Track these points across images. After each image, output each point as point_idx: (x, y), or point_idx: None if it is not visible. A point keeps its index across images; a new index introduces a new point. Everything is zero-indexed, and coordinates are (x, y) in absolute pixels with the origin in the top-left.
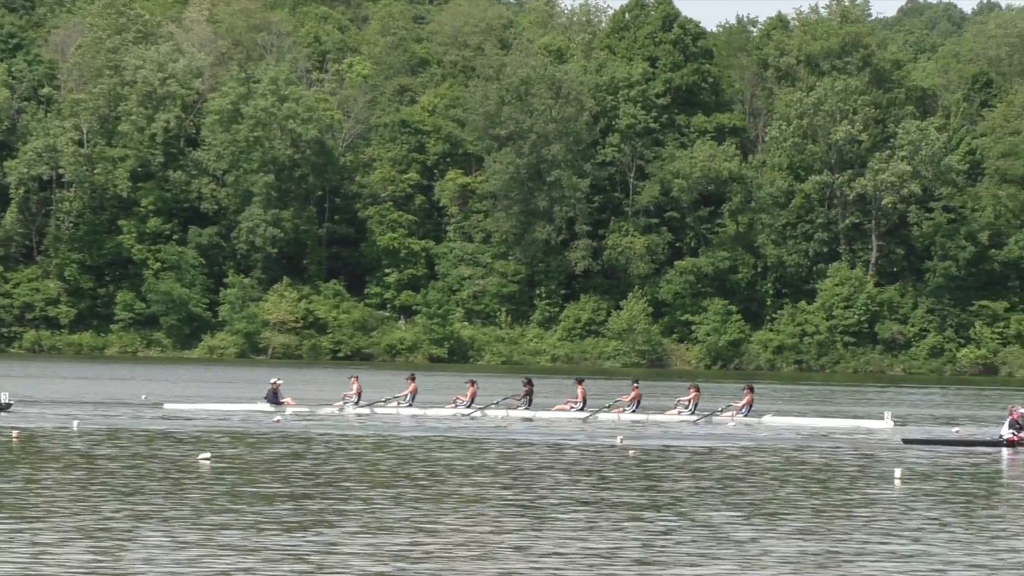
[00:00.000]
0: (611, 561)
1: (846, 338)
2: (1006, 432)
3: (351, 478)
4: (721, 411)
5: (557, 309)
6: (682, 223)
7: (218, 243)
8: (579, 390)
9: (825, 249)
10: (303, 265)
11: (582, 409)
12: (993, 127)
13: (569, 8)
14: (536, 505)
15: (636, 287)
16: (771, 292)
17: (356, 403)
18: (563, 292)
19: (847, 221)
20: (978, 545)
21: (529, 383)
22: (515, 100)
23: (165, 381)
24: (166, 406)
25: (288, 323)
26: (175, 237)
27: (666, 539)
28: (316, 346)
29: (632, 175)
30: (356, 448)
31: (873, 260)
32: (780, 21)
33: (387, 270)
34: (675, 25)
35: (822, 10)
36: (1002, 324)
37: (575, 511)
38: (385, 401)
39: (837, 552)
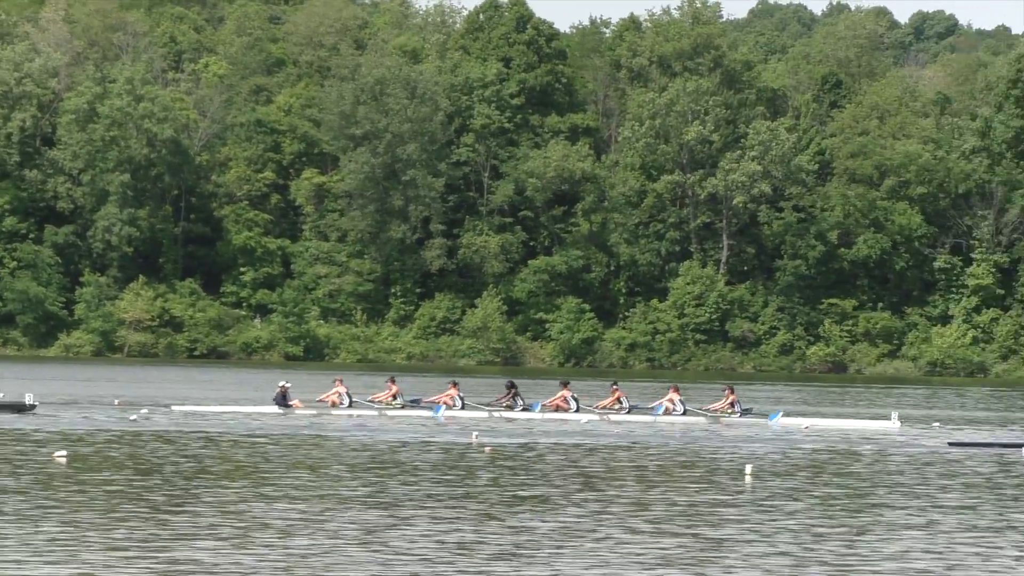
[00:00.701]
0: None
1: (697, 336)
2: None
3: (184, 474)
4: (709, 408)
5: (412, 307)
6: (536, 222)
7: (74, 242)
8: (565, 392)
9: (677, 248)
10: (159, 264)
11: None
12: (842, 127)
13: (424, 9)
14: (326, 498)
15: (490, 286)
16: (624, 291)
17: (349, 404)
18: (418, 291)
19: (698, 220)
20: (806, 542)
21: (512, 385)
22: (370, 100)
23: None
24: (174, 408)
25: (144, 321)
26: (31, 236)
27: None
28: (172, 344)
29: (487, 175)
30: (214, 446)
31: (724, 259)
32: (633, 23)
33: (243, 269)
34: (529, 26)
35: (674, 12)
36: (851, 322)
37: (361, 506)
38: (370, 401)
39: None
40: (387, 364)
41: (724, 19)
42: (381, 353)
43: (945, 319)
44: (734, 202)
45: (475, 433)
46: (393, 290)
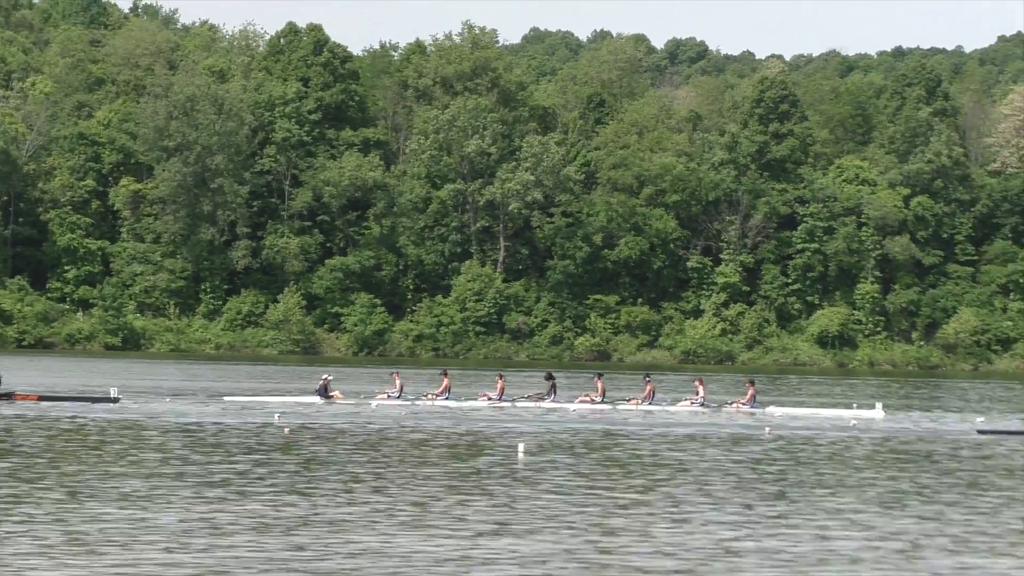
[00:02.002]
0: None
1: (477, 328)
2: None
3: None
4: (730, 403)
5: (220, 302)
6: (332, 226)
7: None
8: (599, 384)
9: (459, 249)
10: None
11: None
12: (605, 142)
13: (230, 33)
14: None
15: (291, 283)
16: (411, 287)
17: (399, 396)
18: (226, 287)
19: (478, 224)
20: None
21: (551, 377)
22: (182, 115)
23: None
24: (226, 398)
25: None
26: None
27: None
28: (2, 336)
29: (287, 183)
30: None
31: (501, 259)
32: (419, 47)
33: (67, 267)
34: (325, 49)
35: (455, 37)
36: (614, 315)
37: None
38: (426, 395)
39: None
40: (198, 354)
41: (500, 44)
42: (192, 344)
43: (697, 313)
44: (510, 208)
45: (277, 415)
46: (203, 286)
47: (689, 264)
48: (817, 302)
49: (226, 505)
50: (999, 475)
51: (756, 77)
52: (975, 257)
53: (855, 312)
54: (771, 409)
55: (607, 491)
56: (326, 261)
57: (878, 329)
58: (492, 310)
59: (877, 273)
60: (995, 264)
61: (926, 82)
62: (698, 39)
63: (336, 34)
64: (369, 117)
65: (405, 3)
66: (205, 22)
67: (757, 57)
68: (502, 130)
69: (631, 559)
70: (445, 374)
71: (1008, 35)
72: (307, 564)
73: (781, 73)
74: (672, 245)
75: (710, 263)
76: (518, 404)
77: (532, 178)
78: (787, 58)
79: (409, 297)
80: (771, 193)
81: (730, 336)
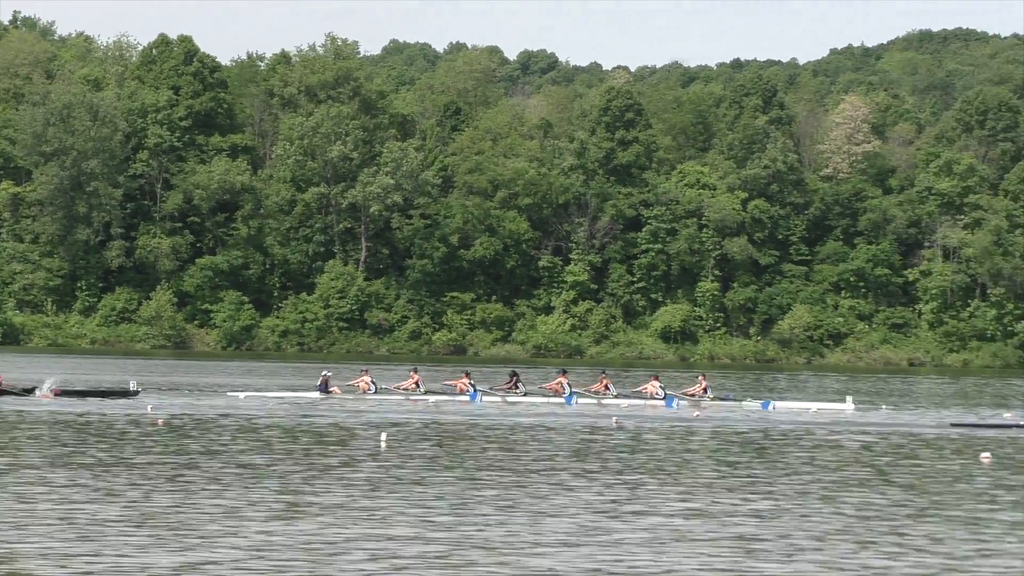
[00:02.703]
0: None
1: (340, 324)
2: None
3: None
4: (688, 392)
5: (96, 299)
6: (202, 227)
7: None
8: (563, 380)
9: (323, 249)
10: None
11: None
12: (461, 148)
13: (104, 44)
14: None
15: (163, 281)
16: (278, 285)
17: (376, 391)
18: (101, 285)
19: (341, 226)
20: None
21: (514, 374)
22: (59, 122)
23: None
24: (228, 393)
25: None
26: None
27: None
28: None
29: (159, 186)
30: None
31: (363, 258)
32: (284, 57)
33: None
34: (195, 59)
35: (319, 48)
36: (470, 312)
37: None
38: (396, 388)
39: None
40: (74, 349)
41: (361, 55)
42: (69, 339)
43: (548, 309)
44: (371, 210)
45: (150, 406)
46: (79, 284)
47: (540, 263)
48: (661, 299)
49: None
50: (837, 462)
51: (603, 87)
52: (808, 257)
53: (696, 309)
54: (747, 404)
55: (435, 479)
56: (196, 260)
57: (718, 325)
58: (354, 307)
59: (717, 272)
60: (827, 264)
61: (762, 92)
62: (548, 51)
63: (206, 45)
64: (237, 124)
65: (271, 16)
66: (81, 33)
67: (604, 68)
68: (363, 136)
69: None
70: (415, 371)
71: (839, 48)
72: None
73: (627, 83)
74: (524, 245)
75: (560, 262)
76: (483, 398)
77: (392, 182)
78: (632, 69)
79: (275, 294)
80: (617, 197)
81: (579, 331)
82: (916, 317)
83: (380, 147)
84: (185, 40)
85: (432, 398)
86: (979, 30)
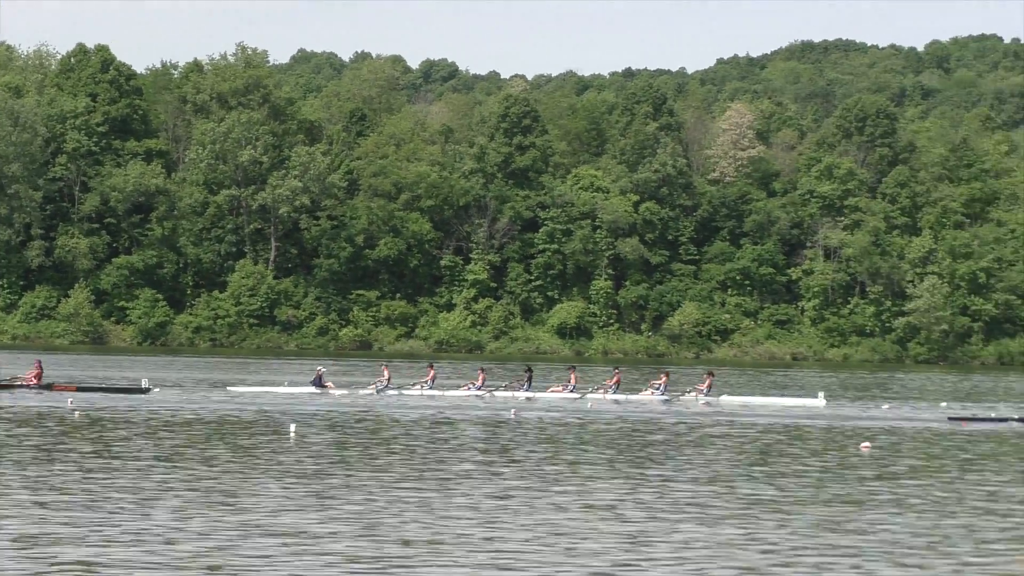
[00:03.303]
0: None
1: (251, 320)
2: None
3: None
4: (689, 391)
5: (16, 297)
6: (118, 227)
7: None
8: (572, 376)
9: (234, 249)
10: None
11: (572, 391)
12: (366, 152)
13: (25, 53)
14: None
15: (81, 279)
16: (191, 283)
17: (386, 387)
18: (21, 283)
19: (251, 227)
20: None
21: (529, 370)
22: None
23: None
24: (229, 389)
25: None
26: None
27: None
28: None
29: (78, 188)
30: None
31: (272, 258)
32: (196, 65)
33: None
34: (111, 68)
35: (230, 57)
36: (375, 309)
37: None
38: (413, 385)
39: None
40: None
41: (270, 64)
42: None
43: (450, 306)
44: (280, 212)
45: (70, 399)
46: (1, 283)
47: (442, 263)
48: (557, 297)
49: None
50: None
51: (501, 94)
52: (697, 257)
53: (591, 306)
54: (724, 398)
55: (331, 468)
56: (113, 259)
57: (611, 321)
58: (264, 304)
59: (610, 271)
60: (714, 263)
61: (653, 100)
62: (449, 60)
63: (122, 54)
64: (152, 129)
65: (184, 25)
66: (2, 43)
67: (503, 77)
68: (273, 141)
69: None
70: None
71: (726, 58)
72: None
73: (524, 91)
74: (427, 245)
75: (461, 262)
76: (495, 393)
77: (300, 185)
78: (529, 78)
79: (189, 292)
80: (515, 199)
81: (479, 327)
82: (799, 314)
83: (289, 151)
84: (102, 49)
85: (437, 393)
86: (858, 41)
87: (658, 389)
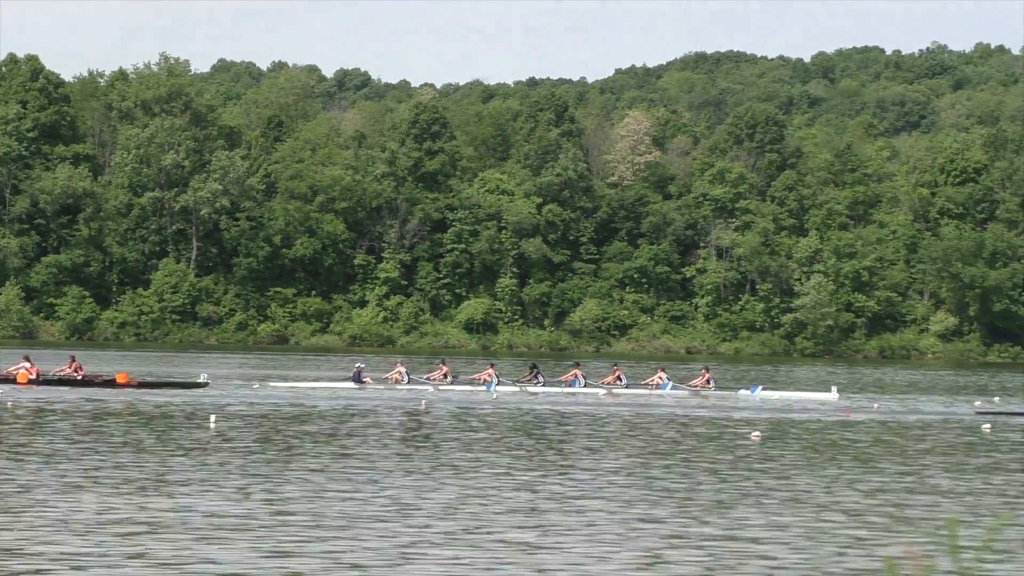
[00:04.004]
0: None
1: (174, 316)
2: None
3: None
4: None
5: None
6: (47, 228)
7: None
8: (575, 372)
9: (157, 248)
10: None
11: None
12: (283, 156)
13: None
14: None
15: (12, 277)
16: (116, 281)
17: (408, 381)
18: None
19: (174, 227)
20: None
21: (535, 367)
22: None
23: None
24: (270, 384)
25: None
26: None
27: None
28: None
29: (8, 191)
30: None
31: (194, 257)
32: (122, 74)
33: None
34: (41, 76)
35: (153, 66)
36: (291, 305)
37: None
38: (426, 379)
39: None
40: None
41: (192, 72)
42: None
43: (363, 303)
44: (201, 213)
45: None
46: None
47: (356, 261)
48: (464, 294)
49: None
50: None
51: (412, 102)
52: (597, 256)
53: (496, 303)
54: (742, 392)
55: (229, 458)
56: (42, 258)
57: (516, 317)
58: (186, 301)
59: (515, 269)
60: (613, 262)
61: (555, 108)
62: (362, 69)
63: (51, 63)
64: (79, 135)
65: (111, 36)
66: None
67: (413, 85)
68: (194, 146)
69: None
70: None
71: (624, 68)
72: None
73: (433, 99)
74: (341, 245)
75: (373, 260)
76: (500, 388)
77: (220, 187)
78: (438, 86)
79: (114, 289)
80: (425, 201)
81: (391, 323)
82: (693, 310)
83: (209, 156)
84: (32, 59)
85: (458, 387)
86: (748, 52)
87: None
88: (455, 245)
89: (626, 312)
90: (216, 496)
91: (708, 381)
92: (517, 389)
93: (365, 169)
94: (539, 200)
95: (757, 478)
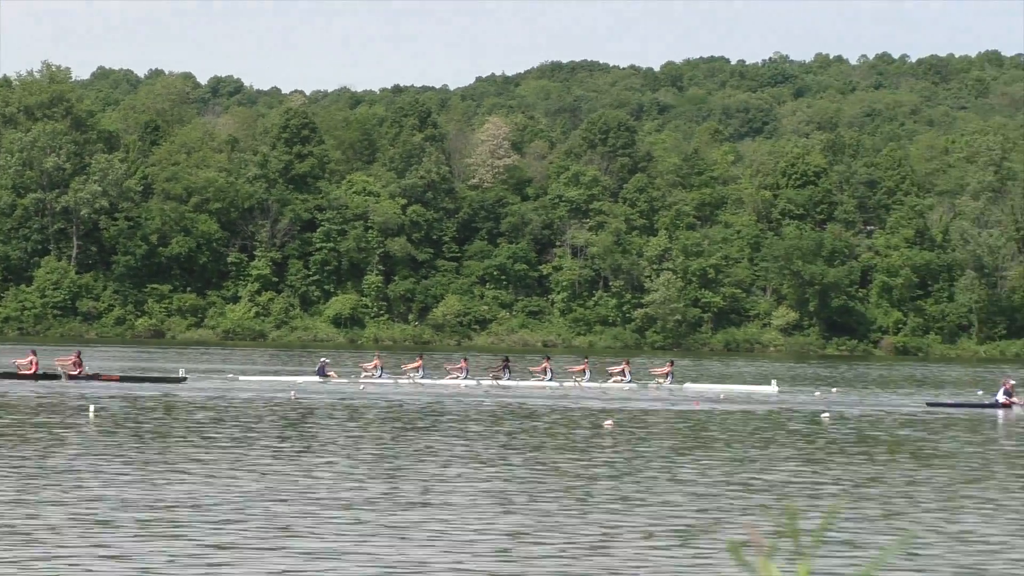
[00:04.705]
0: None
1: (55, 311)
2: (1000, 397)
3: None
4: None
5: None
6: None
7: None
8: (545, 364)
9: (40, 247)
10: None
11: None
12: (160, 159)
13: None
14: None
15: None
16: (0, 278)
17: (380, 375)
18: None
19: (55, 227)
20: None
21: (506, 360)
22: None
23: None
24: (240, 377)
25: None
26: None
27: None
28: None
29: None
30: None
31: (74, 255)
32: (6, 81)
33: None
34: None
35: (36, 74)
36: (167, 301)
37: None
38: (403, 373)
39: None
40: None
41: (73, 79)
42: None
43: (236, 299)
44: (82, 213)
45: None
46: None
47: (229, 259)
48: (332, 290)
49: None
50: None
51: (282, 108)
52: (458, 254)
53: (363, 298)
54: (688, 385)
55: (106, 447)
56: None
57: (381, 312)
58: (67, 296)
59: (380, 267)
60: (474, 260)
61: (419, 114)
62: (235, 76)
63: None
64: None
65: None
66: None
67: (283, 92)
68: (75, 149)
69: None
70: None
71: (484, 76)
72: None
73: (302, 105)
74: (215, 244)
75: (246, 258)
76: (483, 382)
77: (100, 189)
78: (307, 93)
79: None
80: (295, 202)
81: (262, 318)
82: (549, 305)
83: (89, 159)
84: None
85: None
86: (601, 62)
87: (624, 376)
88: (324, 244)
89: (486, 307)
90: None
91: (667, 375)
92: (491, 382)
93: (238, 171)
94: (404, 201)
95: (593, 465)
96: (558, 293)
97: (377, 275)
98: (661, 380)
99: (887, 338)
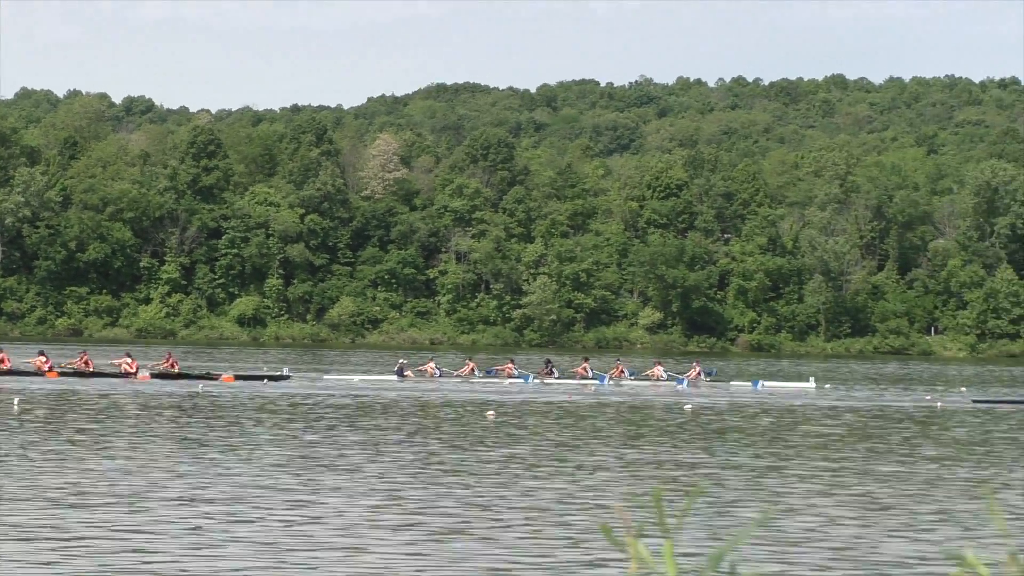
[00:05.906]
0: None
1: None
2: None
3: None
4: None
5: None
6: None
7: None
8: (585, 366)
9: None
10: None
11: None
12: (78, 172)
13: None
14: None
15: None
16: None
17: (440, 375)
18: None
19: None
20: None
21: (549, 362)
22: None
23: None
24: (325, 377)
25: None
26: None
27: None
28: None
29: None
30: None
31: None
32: None
33: None
34: None
35: None
36: (85, 302)
37: None
38: (456, 375)
39: None
40: None
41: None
42: None
43: (148, 300)
44: (6, 222)
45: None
46: None
47: (141, 264)
48: (237, 292)
49: None
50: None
51: (190, 125)
52: (352, 260)
53: (265, 300)
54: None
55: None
56: None
57: (282, 312)
58: None
59: (281, 271)
60: (367, 265)
61: (316, 131)
62: (147, 96)
63: None
64: None
65: None
66: None
67: (191, 110)
68: (1, 164)
69: None
70: (470, 360)
71: (375, 96)
72: None
73: (209, 123)
74: (128, 250)
75: (157, 263)
76: (532, 380)
77: (23, 199)
78: (213, 111)
79: None
80: (202, 211)
81: (172, 318)
82: (436, 306)
83: (13, 172)
84: None
85: (484, 382)
86: (483, 83)
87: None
88: (228, 250)
89: (378, 308)
90: None
91: (699, 374)
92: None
93: (150, 184)
94: (302, 211)
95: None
96: (444, 295)
97: (278, 279)
98: (694, 378)
99: (743, 336)
